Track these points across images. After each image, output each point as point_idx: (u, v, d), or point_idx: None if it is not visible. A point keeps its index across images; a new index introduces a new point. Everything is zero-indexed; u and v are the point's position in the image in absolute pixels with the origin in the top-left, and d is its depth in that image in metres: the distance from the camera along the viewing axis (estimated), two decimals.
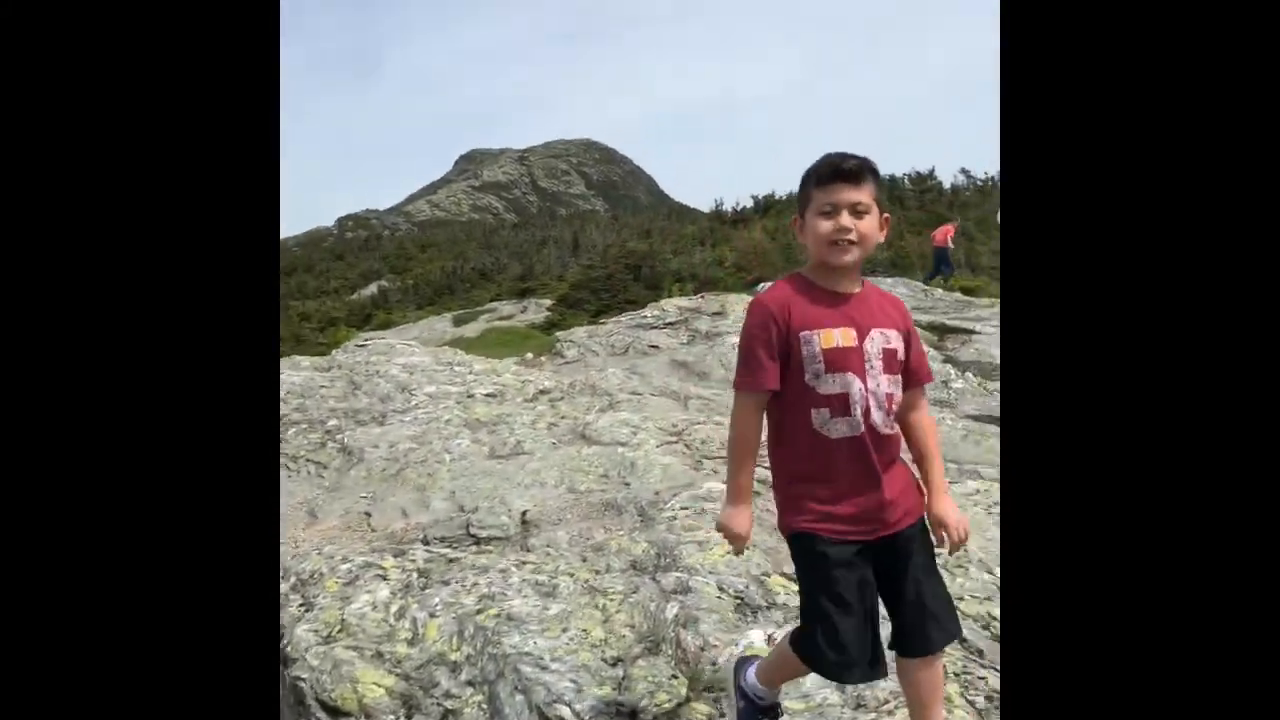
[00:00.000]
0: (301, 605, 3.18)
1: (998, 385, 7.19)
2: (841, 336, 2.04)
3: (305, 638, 2.93)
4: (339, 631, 2.95)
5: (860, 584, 2.04)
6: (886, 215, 2.14)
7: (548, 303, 24.95)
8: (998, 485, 4.63)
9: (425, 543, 3.91)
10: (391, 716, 2.59)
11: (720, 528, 2.15)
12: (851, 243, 2.05)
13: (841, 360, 2.04)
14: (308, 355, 9.86)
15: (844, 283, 2.11)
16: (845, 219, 2.03)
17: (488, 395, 7.05)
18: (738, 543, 2.13)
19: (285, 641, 2.98)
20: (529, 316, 24.28)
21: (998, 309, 10.66)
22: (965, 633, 3.07)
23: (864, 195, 2.05)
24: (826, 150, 2.15)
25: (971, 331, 8.89)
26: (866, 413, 2.04)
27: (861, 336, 2.06)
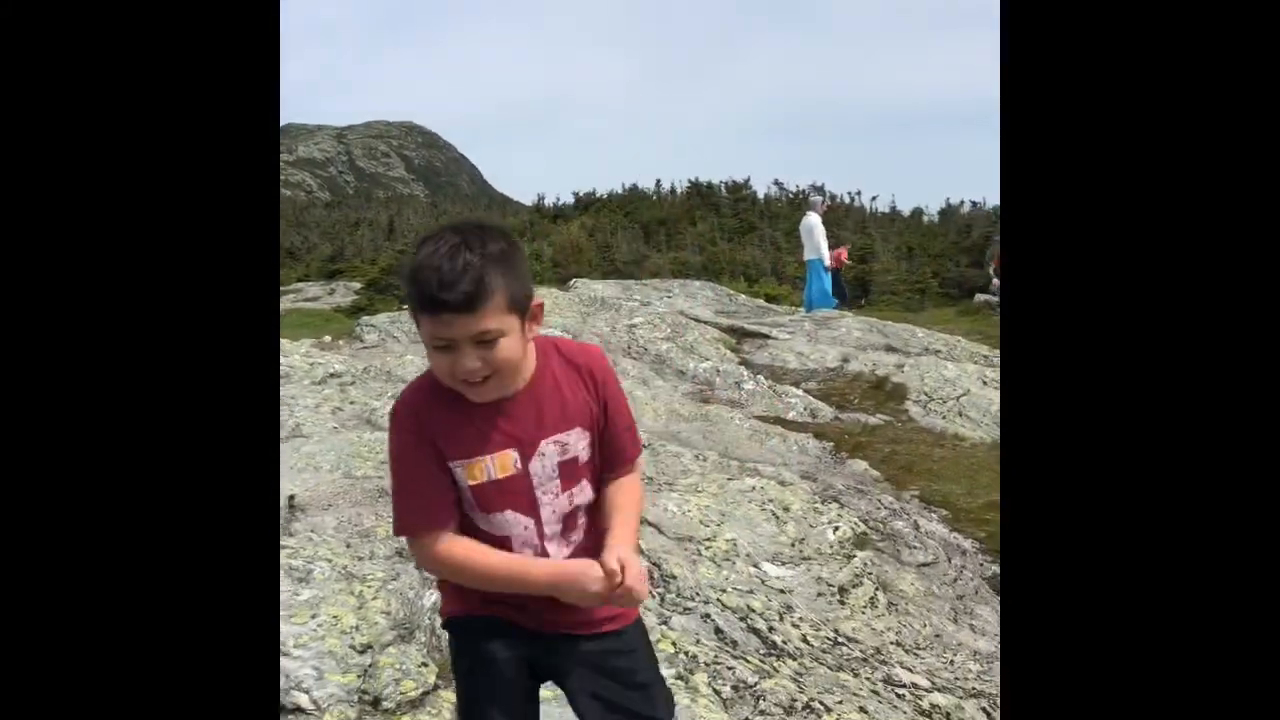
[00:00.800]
0: None
1: (788, 388, 7.46)
2: (496, 466, 1.59)
3: None
4: None
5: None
6: (539, 302, 1.58)
7: (357, 286, 24.24)
8: (774, 482, 4.78)
9: None
10: None
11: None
12: (486, 379, 1.53)
13: (497, 497, 1.61)
14: None
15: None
16: (468, 358, 1.50)
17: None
18: (600, 587, 1.56)
19: None
20: (336, 299, 23.49)
21: (796, 316, 11.08)
22: (722, 625, 3.14)
23: (489, 321, 1.48)
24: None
25: (768, 336, 9.17)
26: (540, 550, 1.64)
27: (526, 457, 1.61)
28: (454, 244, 1.47)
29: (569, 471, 1.65)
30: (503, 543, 1.62)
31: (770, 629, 3.16)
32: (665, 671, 2.67)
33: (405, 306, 2.04)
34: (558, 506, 1.65)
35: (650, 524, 3.99)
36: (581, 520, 1.69)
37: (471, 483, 1.59)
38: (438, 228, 1.57)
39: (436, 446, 1.57)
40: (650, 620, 3.01)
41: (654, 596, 3.24)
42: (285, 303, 23.23)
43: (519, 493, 1.62)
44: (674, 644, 2.87)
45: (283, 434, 5.22)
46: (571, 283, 13.02)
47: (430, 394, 1.59)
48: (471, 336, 1.48)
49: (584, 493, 1.68)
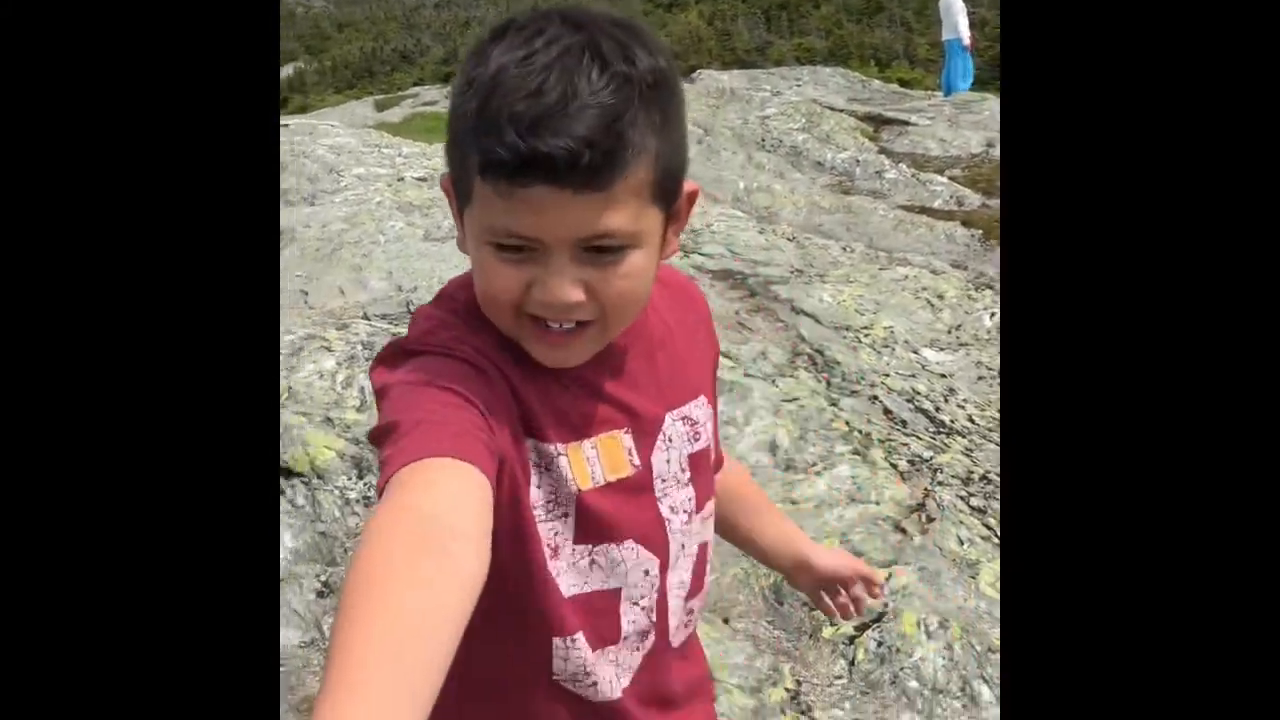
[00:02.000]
0: None
1: (931, 176, 7.27)
2: (601, 458, 0.91)
3: None
4: (287, 399, 2.99)
5: None
6: (692, 189, 0.90)
7: None
8: (925, 271, 4.77)
9: (366, 319, 3.93)
10: (344, 477, 2.68)
11: None
12: (582, 325, 0.86)
13: (611, 515, 0.92)
14: None
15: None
16: (565, 280, 0.82)
17: (419, 179, 6.91)
18: None
19: None
20: None
21: (934, 100, 10.61)
22: (890, 406, 3.25)
23: (619, 213, 0.80)
24: None
25: (906, 123, 8.87)
26: (660, 632, 0.98)
27: (645, 444, 0.95)
28: (570, 49, 0.78)
29: (700, 471, 1.00)
30: (608, 610, 0.94)
31: (937, 409, 3.26)
32: (841, 448, 2.81)
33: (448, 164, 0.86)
34: (690, 539, 1.00)
35: (807, 314, 4.08)
36: (707, 578, 1.06)
37: (583, 487, 0.90)
38: (535, 13, 0.83)
39: (508, 419, 0.85)
40: (820, 401, 3.14)
41: (821, 380, 3.36)
42: (404, 108, 23.36)
43: (639, 508, 0.95)
44: (846, 423, 3.00)
45: (440, 234, 5.42)
46: (695, 74, 12.69)
47: (493, 328, 0.88)
48: (582, 239, 0.80)
49: (709, 523, 1.05)
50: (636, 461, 0.94)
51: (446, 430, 0.77)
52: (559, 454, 0.89)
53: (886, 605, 2.12)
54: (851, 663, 2.14)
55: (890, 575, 2.22)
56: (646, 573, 0.95)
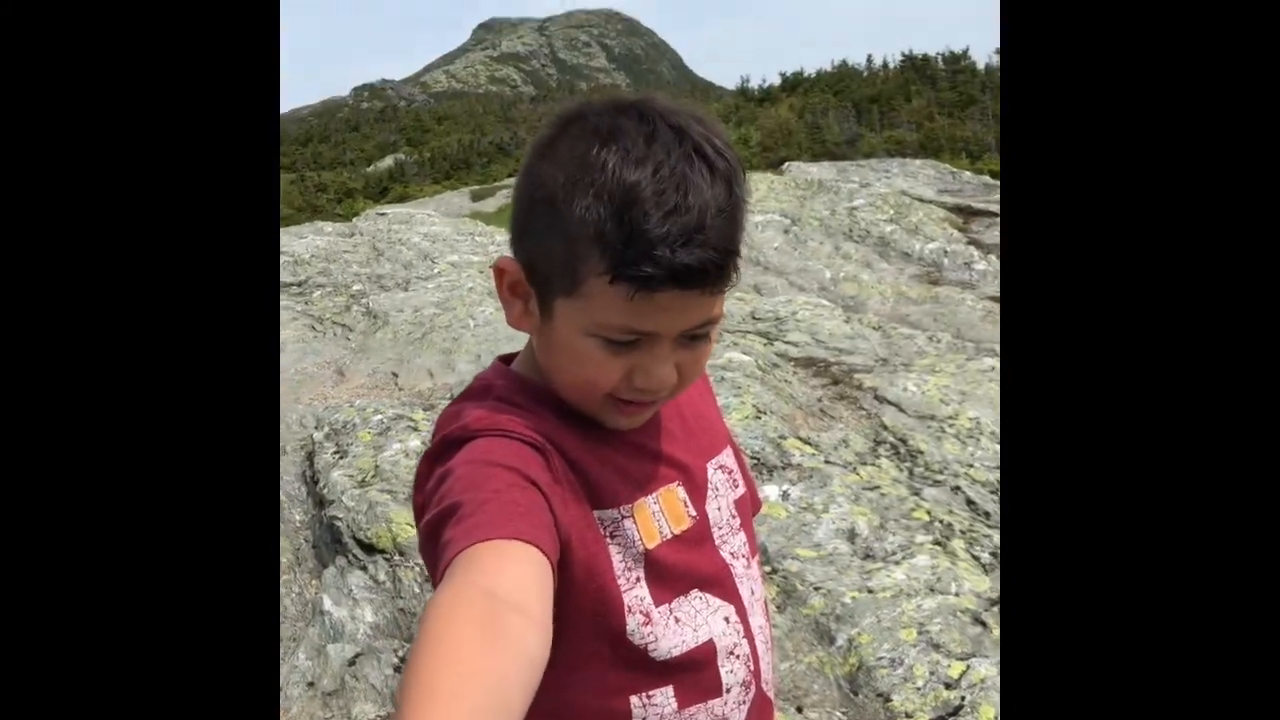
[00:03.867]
0: (335, 453, 3.31)
1: None
2: (664, 511, 0.95)
3: (341, 481, 3.06)
4: (373, 476, 3.08)
5: None
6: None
7: None
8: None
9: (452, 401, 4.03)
10: None
11: None
12: (656, 399, 0.92)
13: (685, 568, 0.95)
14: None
15: None
16: (666, 364, 0.88)
17: None
18: None
19: (322, 485, 3.12)
20: None
21: None
22: (973, 497, 3.19)
23: (720, 301, 0.87)
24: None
25: (997, 214, 8.82)
26: (754, 672, 1.00)
27: (697, 495, 0.99)
28: (684, 156, 0.82)
29: (745, 517, 1.05)
30: (701, 663, 0.95)
31: None
32: (922, 537, 2.77)
33: (543, 261, 0.88)
34: (755, 584, 1.03)
35: (891, 402, 4.04)
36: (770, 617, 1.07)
37: (650, 545, 0.93)
38: (617, 106, 0.87)
39: (572, 495, 0.89)
40: (902, 490, 3.10)
41: (903, 469, 3.31)
42: (499, 198, 24.04)
43: (704, 557, 0.98)
44: (928, 513, 2.95)
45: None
46: (785, 166, 12.85)
47: (553, 410, 0.92)
48: (689, 328, 0.86)
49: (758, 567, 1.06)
50: (693, 512, 0.97)
51: (512, 511, 0.79)
52: (624, 516, 0.92)
53: (964, 699, 2.05)
54: None
55: (968, 668, 2.16)
56: (728, 620, 0.97)
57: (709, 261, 0.81)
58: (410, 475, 3.08)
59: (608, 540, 0.91)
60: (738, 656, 0.98)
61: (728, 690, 0.97)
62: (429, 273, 6.79)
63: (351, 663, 2.51)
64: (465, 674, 0.65)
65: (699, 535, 0.97)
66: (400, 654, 2.53)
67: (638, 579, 0.92)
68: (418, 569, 2.72)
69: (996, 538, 2.84)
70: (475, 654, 0.67)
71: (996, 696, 2.03)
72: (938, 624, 2.32)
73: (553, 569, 0.79)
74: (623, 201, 0.80)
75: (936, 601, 2.40)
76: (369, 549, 2.79)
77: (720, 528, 1.00)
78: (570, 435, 0.91)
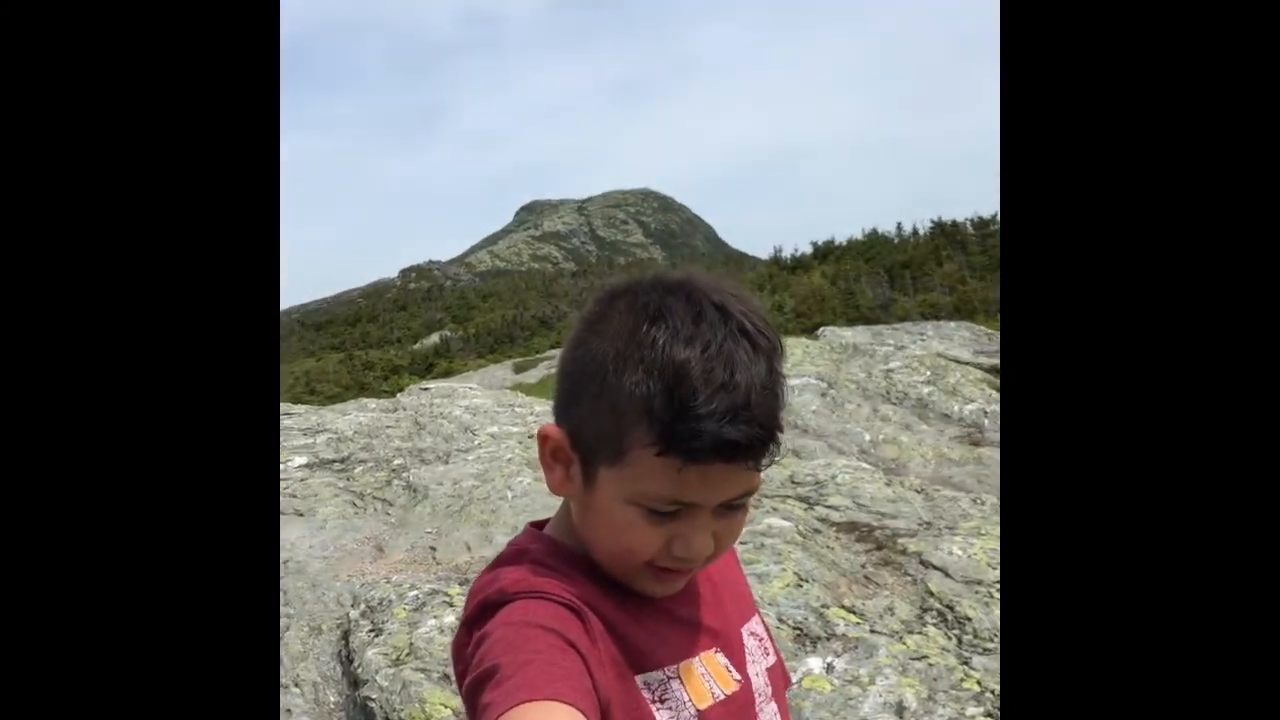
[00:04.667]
0: (371, 631, 3.27)
1: None
2: (712, 675, 0.95)
3: (375, 660, 3.01)
4: (407, 654, 3.03)
5: None
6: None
7: None
8: None
9: None
10: None
11: None
12: (692, 567, 0.93)
13: None
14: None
15: None
16: (705, 534, 0.90)
17: None
18: None
19: (356, 664, 3.07)
20: None
21: None
22: None
23: (758, 475, 0.89)
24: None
25: None
26: None
27: (736, 661, 1.00)
28: (730, 334, 0.86)
29: (778, 687, 1.05)
30: None
31: None
32: (973, 709, 2.65)
33: (591, 435, 0.90)
34: None
35: (936, 567, 3.94)
36: None
37: (702, 706, 0.92)
38: (659, 282, 0.92)
39: (610, 660, 0.88)
40: (950, 660, 2.98)
41: (951, 637, 3.20)
42: (541, 369, 24.49)
43: None
44: (978, 682, 2.83)
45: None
46: (820, 331, 12.99)
47: (587, 575, 0.93)
48: (729, 499, 0.89)
49: None
50: (738, 676, 0.98)
51: (553, 673, 0.79)
52: (670, 678, 0.92)
53: None
54: None
55: None
56: None
57: (754, 437, 0.84)
58: (444, 653, 3.03)
59: (655, 705, 0.90)
60: None
61: None
62: (469, 445, 6.85)
63: None
64: None
65: (745, 700, 0.97)
66: None
67: None
68: None
69: None
70: None
71: None
72: None
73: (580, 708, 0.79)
74: (673, 378, 0.84)
75: None
76: None
77: (760, 694, 1.00)
78: (606, 600, 0.91)
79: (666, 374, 0.84)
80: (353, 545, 5.00)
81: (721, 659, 0.98)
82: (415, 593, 3.51)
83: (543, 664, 0.80)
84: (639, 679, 0.90)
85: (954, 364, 9.13)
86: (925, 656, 2.98)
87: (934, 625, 3.30)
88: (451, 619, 3.25)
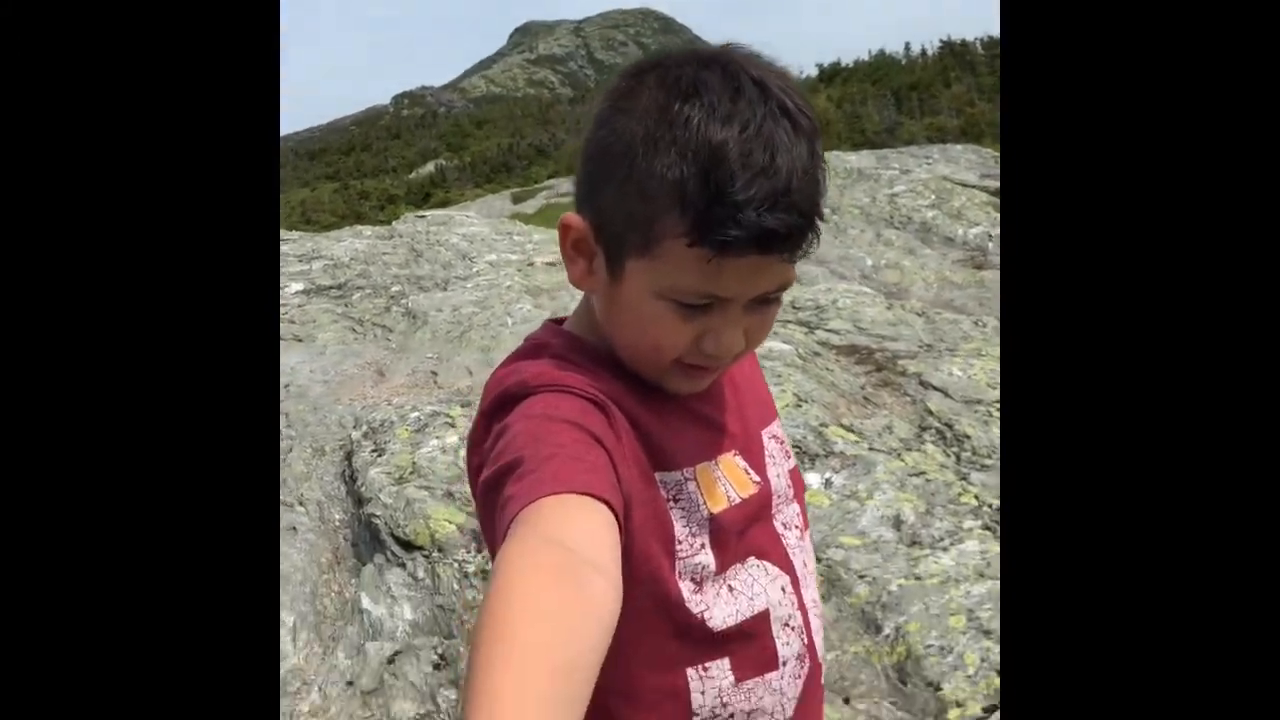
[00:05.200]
0: (374, 451, 3.30)
1: None
2: (728, 477, 0.93)
3: (378, 479, 3.05)
4: (410, 473, 3.06)
5: None
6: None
7: None
8: None
9: None
10: (462, 550, 2.70)
11: None
12: (721, 364, 0.90)
13: (746, 536, 0.93)
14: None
15: None
16: (736, 329, 0.85)
17: (548, 263, 7.08)
18: None
19: (360, 483, 3.11)
20: None
21: None
22: None
23: (793, 268, 0.84)
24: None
25: None
26: (808, 643, 0.97)
27: (756, 463, 0.97)
28: (770, 114, 0.79)
29: (799, 488, 1.03)
30: (757, 632, 0.92)
31: None
32: (970, 523, 2.69)
33: (623, 221, 0.82)
34: (807, 556, 1.00)
35: (936, 388, 3.95)
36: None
37: (715, 509, 0.90)
38: (693, 55, 0.83)
39: (633, 455, 0.85)
40: (949, 476, 3.02)
41: (950, 454, 3.23)
42: (539, 199, 24.14)
43: (761, 526, 0.95)
44: (976, 497, 2.86)
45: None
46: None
47: (611, 370, 0.88)
48: (763, 293, 0.84)
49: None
50: (756, 478, 0.95)
51: (578, 467, 0.76)
52: (687, 479, 0.89)
53: None
54: None
55: None
56: (784, 589, 0.95)
57: (794, 226, 0.79)
58: (447, 472, 3.06)
59: (670, 503, 0.87)
60: (792, 628, 0.95)
61: (784, 663, 0.93)
62: (467, 272, 6.80)
63: (390, 661, 2.49)
64: (545, 626, 0.62)
65: (761, 502, 0.95)
66: (439, 651, 2.51)
67: (702, 545, 0.88)
68: (456, 566, 2.70)
69: None
70: (554, 607, 0.63)
71: None
72: (988, 610, 2.24)
73: (620, 528, 0.76)
74: (709, 160, 0.77)
75: (986, 587, 2.32)
76: (407, 546, 2.77)
77: (779, 496, 0.98)
78: (630, 395, 0.87)
79: (701, 156, 0.77)
80: (353, 370, 5.01)
81: (740, 462, 0.95)
82: (417, 414, 3.52)
83: (567, 457, 0.76)
84: (658, 476, 0.87)
85: (959, 187, 8.96)
86: (923, 472, 3.01)
87: (932, 443, 3.33)
88: (454, 439, 3.27)
